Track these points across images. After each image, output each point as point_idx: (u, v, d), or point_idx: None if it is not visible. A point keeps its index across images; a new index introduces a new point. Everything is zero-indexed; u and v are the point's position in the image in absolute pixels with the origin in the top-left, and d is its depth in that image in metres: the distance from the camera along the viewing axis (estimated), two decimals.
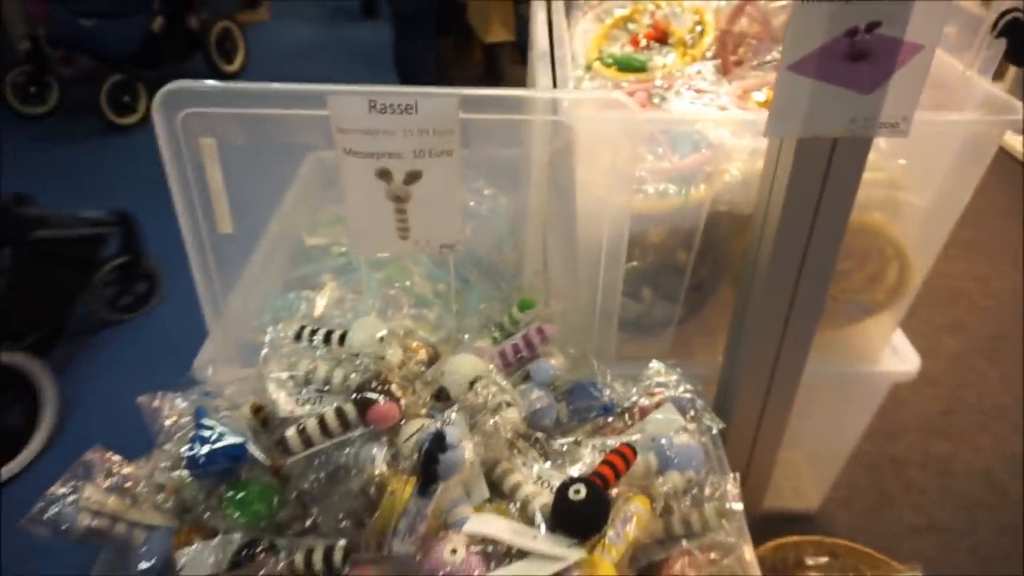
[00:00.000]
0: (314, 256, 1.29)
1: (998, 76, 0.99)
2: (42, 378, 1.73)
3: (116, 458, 0.84)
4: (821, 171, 0.82)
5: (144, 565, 0.78)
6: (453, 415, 0.74)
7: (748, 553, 0.82)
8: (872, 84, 0.76)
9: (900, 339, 1.19)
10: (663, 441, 0.82)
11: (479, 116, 0.84)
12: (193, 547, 0.75)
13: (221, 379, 1.00)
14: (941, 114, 0.93)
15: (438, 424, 0.72)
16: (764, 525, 1.15)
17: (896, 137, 0.79)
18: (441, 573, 0.67)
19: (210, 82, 0.87)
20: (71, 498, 0.78)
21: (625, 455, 0.76)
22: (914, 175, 1.01)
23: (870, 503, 1.50)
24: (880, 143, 0.91)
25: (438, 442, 0.68)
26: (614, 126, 0.91)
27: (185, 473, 0.80)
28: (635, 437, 0.83)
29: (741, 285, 0.97)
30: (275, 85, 0.85)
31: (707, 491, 0.82)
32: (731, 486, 0.83)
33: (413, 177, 0.86)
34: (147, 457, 0.84)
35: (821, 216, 0.84)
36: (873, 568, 1.10)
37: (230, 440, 0.79)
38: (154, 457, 0.84)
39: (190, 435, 0.80)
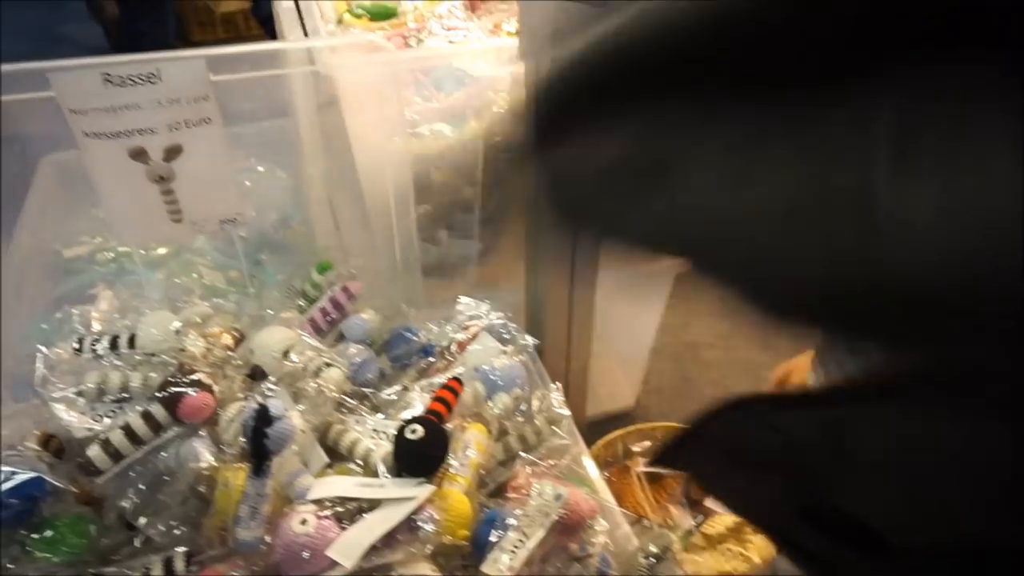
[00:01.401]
0: (78, 268, 1.16)
1: None
2: None
3: None
4: None
5: None
6: (272, 387, 0.71)
7: (582, 450, 0.89)
8: None
9: None
10: (485, 368, 0.86)
11: (232, 77, 0.79)
12: None
13: None
14: None
15: (258, 400, 0.69)
16: (592, 429, 1.26)
17: None
18: (297, 545, 0.66)
19: None
20: None
21: (452, 387, 0.78)
22: None
23: (676, 387, 1.68)
24: None
25: (262, 416, 0.66)
26: (375, 70, 0.90)
27: None
28: (459, 371, 0.85)
29: (528, 210, 1.02)
30: None
31: (535, 405, 0.88)
32: (555, 395, 0.90)
33: (173, 152, 0.80)
34: None
35: None
36: None
37: (20, 478, 0.70)
38: None
39: None
